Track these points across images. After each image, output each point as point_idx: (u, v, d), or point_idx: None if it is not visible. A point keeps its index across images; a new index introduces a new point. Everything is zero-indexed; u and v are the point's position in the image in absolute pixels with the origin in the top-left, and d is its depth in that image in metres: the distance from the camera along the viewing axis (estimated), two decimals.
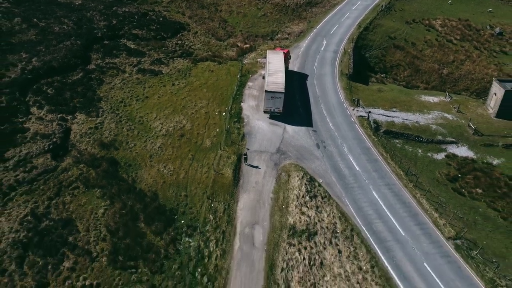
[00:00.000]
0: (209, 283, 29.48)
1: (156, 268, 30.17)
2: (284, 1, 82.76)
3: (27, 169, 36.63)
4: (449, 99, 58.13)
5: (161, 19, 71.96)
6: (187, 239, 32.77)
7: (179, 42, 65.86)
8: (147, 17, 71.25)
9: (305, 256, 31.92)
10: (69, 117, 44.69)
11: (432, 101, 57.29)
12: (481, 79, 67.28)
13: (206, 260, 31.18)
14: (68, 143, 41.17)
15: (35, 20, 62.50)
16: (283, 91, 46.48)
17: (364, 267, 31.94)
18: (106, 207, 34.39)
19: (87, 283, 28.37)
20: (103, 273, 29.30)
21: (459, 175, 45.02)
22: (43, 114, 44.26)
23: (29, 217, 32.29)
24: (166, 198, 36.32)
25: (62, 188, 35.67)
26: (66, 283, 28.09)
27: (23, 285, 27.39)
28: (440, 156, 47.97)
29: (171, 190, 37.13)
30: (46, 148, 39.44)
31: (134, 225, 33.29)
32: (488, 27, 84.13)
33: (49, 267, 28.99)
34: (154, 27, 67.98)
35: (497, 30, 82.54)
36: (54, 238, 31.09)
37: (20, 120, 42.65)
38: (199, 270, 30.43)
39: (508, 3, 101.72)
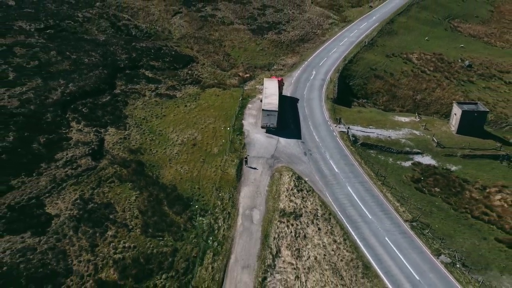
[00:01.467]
0: (218, 246, 38.78)
1: (178, 237, 39.49)
2: (280, 38, 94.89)
3: (73, 167, 46.42)
4: (419, 119, 68.58)
5: (173, 52, 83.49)
6: (200, 218, 42.23)
7: (189, 72, 76.99)
8: (161, 51, 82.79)
9: (292, 230, 41.29)
10: (102, 130, 54.87)
11: (403, 120, 67.73)
12: (449, 103, 77.70)
13: (216, 232, 40.57)
14: (103, 149, 51.13)
15: (67, 53, 73.78)
16: (277, 109, 56.92)
17: (338, 240, 41.19)
18: (136, 195, 43.95)
19: (126, 245, 37.61)
20: (137, 239, 38.59)
21: (422, 178, 54.75)
22: (81, 128, 54.46)
23: (78, 201, 41.81)
24: (183, 190, 45.95)
25: (101, 182, 45.34)
26: (111, 245, 37.35)
27: (79, 245, 36.66)
28: (407, 163, 57.83)
29: (187, 184, 46.82)
30: (87, 152, 49.38)
31: (159, 208, 42.79)
32: (459, 60, 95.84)
33: (97, 234, 38.28)
34: (167, 59, 79.34)
35: (467, 62, 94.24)
36: (99, 215, 40.53)
37: (64, 131, 52.81)
38: (211, 238, 39.76)
39: (479, 39, 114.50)
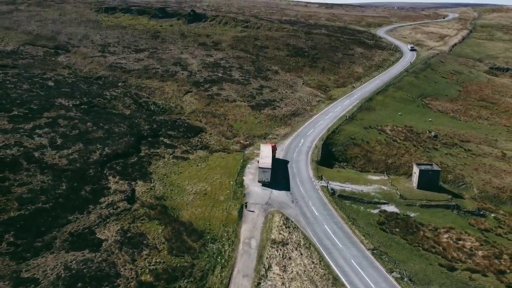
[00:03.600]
0: (225, 262, 52.19)
1: (194, 256, 52.95)
2: (274, 113, 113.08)
3: (114, 208, 60.89)
4: (387, 177, 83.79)
5: (186, 124, 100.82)
6: (211, 244, 55.88)
7: (199, 139, 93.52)
8: (176, 123, 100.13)
9: (280, 253, 54.76)
10: (133, 183, 69.88)
11: (374, 178, 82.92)
12: None
13: (223, 253, 54.10)
14: (135, 196, 65.78)
15: (101, 124, 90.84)
16: (270, 167, 72.44)
17: (315, 261, 54.48)
18: (162, 228, 57.91)
19: (157, 260, 51.06)
20: (165, 257, 52.09)
21: (386, 221, 68.65)
22: (117, 180, 69.55)
23: (120, 231, 55.79)
24: (198, 225, 59.94)
25: (135, 219, 59.54)
26: (146, 260, 50.77)
27: (124, 259, 50.15)
28: (375, 211, 71.97)
29: (200, 222, 60.89)
30: (123, 198, 64.04)
31: (180, 237, 56.57)
32: (427, 132, 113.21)
33: (136, 253, 51.86)
34: (181, 130, 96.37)
35: (433, 133, 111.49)
36: (136, 241, 54.30)
37: (104, 183, 67.86)
38: (219, 257, 53.20)
39: (447, 114, 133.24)
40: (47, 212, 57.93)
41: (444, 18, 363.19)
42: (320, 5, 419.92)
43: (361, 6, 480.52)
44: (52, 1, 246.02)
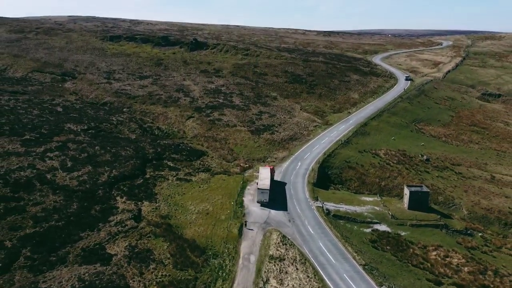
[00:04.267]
0: (226, 275, 56.13)
1: (198, 270, 56.93)
2: (273, 137, 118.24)
3: (122, 226, 65.11)
4: (380, 199, 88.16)
5: (188, 148, 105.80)
6: (213, 260, 59.89)
7: (201, 162, 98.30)
8: (179, 147, 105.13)
9: (277, 268, 58.73)
10: (139, 203, 74.27)
11: (368, 199, 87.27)
12: None
13: (224, 267, 58.08)
14: (142, 215, 70.06)
15: (108, 148, 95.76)
16: (269, 188, 76.97)
17: (310, 275, 58.40)
18: (167, 245, 62.02)
19: (163, 274, 55.04)
20: (171, 271, 56.08)
21: (378, 240, 72.68)
22: (124, 201, 73.95)
23: (128, 247, 59.91)
24: (201, 242, 64.05)
25: (142, 236, 63.70)
26: (153, 273, 54.76)
27: (132, 272, 54.17)
28: (368, 230, 76.05)
29: (203, 239, 65.03)
30: (130, 217, 68.34)
31: (184, 253, 60.62)
32: (420, 155, 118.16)
33: (143, 267, 55.88)
34: (184, 153, 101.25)
35: (425, 157, 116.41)
36: (143, 256, 58.35)
37: (112, 203, 72.25)
38: (220, 272, 57.17)
39: (439, 139, 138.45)
40: (60, 229, 62.19)
41: (439, 46, 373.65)
42: (318, 32, 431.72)
43: (358, 34, 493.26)
44: (59, 30, 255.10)
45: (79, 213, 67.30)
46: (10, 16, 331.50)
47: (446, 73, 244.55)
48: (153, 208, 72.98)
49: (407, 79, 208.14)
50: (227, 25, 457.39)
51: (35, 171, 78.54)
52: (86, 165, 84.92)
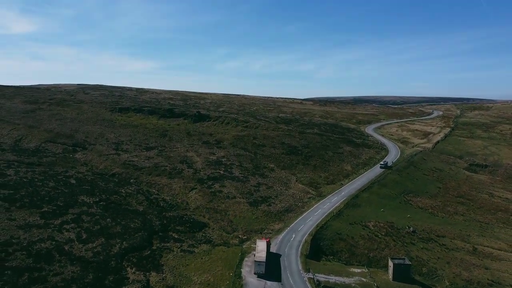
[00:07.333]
0: None
1: None
2: (270, 209, 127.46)
3: None
4: (367, 270, 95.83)
5: (191, 220, 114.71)
6: None
7: (203, 234, 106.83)
8: (183, 219, 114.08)
9: None
10: (147, 273, 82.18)
11: (356, 271, 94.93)
12: None
13: None
14: (150, 286, 77.75)
15: (118, 220, 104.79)
16: (265, 261, 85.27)
17: None
18: None
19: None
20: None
21: None
22: (134, 272, 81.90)
23: None
24: None
25: None
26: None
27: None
28: None
29: None
30: (140, 287, 76.07)
31: None
32: (407, 227, 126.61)
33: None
34: (188, 225, 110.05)
35: (411, 229, 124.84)
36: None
37: (124, 273, 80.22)
38: None
39: (426, 210, 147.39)
40: None
41: (429, 115, 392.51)
42: (315, 102, 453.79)
43: (353, 103, 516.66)
44: (71, 101, 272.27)
45: (95, 283, 75.23)
46: (23, 84, 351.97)
47: (436, 144, 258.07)
48: (160, 279, 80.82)
49: (381, 166, 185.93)
50: (228, 94, 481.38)
51: (54, 242, 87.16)
52: (99, 237, 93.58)
